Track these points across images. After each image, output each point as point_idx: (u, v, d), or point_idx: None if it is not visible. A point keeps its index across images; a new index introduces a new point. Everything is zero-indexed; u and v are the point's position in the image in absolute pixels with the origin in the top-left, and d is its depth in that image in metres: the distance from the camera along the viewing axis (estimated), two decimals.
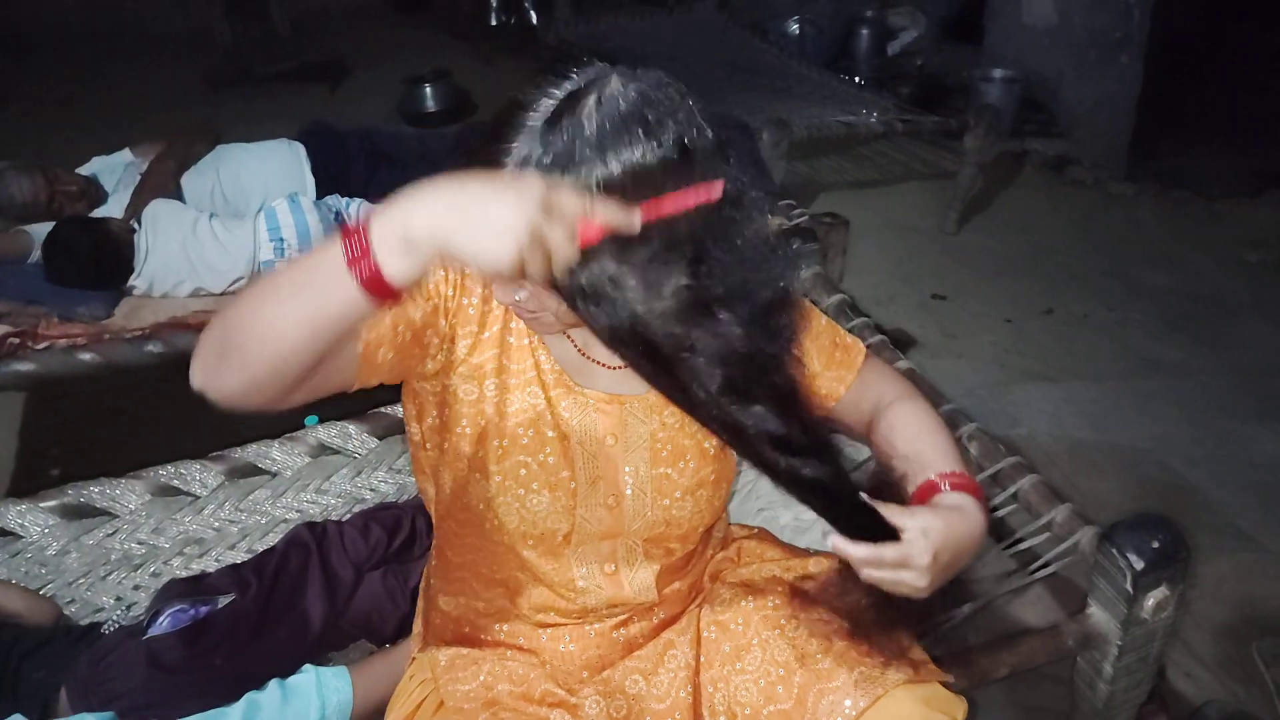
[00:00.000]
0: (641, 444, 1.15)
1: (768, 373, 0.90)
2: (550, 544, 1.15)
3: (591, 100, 0.89)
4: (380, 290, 0.79)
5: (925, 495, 1.06)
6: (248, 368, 0.83)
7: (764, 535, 1.43)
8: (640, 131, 0.87)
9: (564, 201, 0.80)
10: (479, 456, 1.12)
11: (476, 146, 0.94)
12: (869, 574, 0.96)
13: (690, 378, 0.87)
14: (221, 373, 0.84)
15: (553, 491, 1.13)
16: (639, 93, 0.89)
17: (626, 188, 0.86)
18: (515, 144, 0.90)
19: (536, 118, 0.90)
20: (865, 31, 5.69)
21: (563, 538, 1.15)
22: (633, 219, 0.83)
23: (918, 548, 0.95)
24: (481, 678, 1.20)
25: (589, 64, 0.94)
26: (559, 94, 0.91)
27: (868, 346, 2.07)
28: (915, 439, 1.14)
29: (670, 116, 0.89)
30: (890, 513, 0.95)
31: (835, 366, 1.20)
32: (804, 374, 0.95)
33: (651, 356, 0.87)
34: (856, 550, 0.94)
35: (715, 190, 0.87)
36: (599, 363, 1.13)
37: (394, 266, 0.78)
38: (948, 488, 1.05)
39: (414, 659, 1.32)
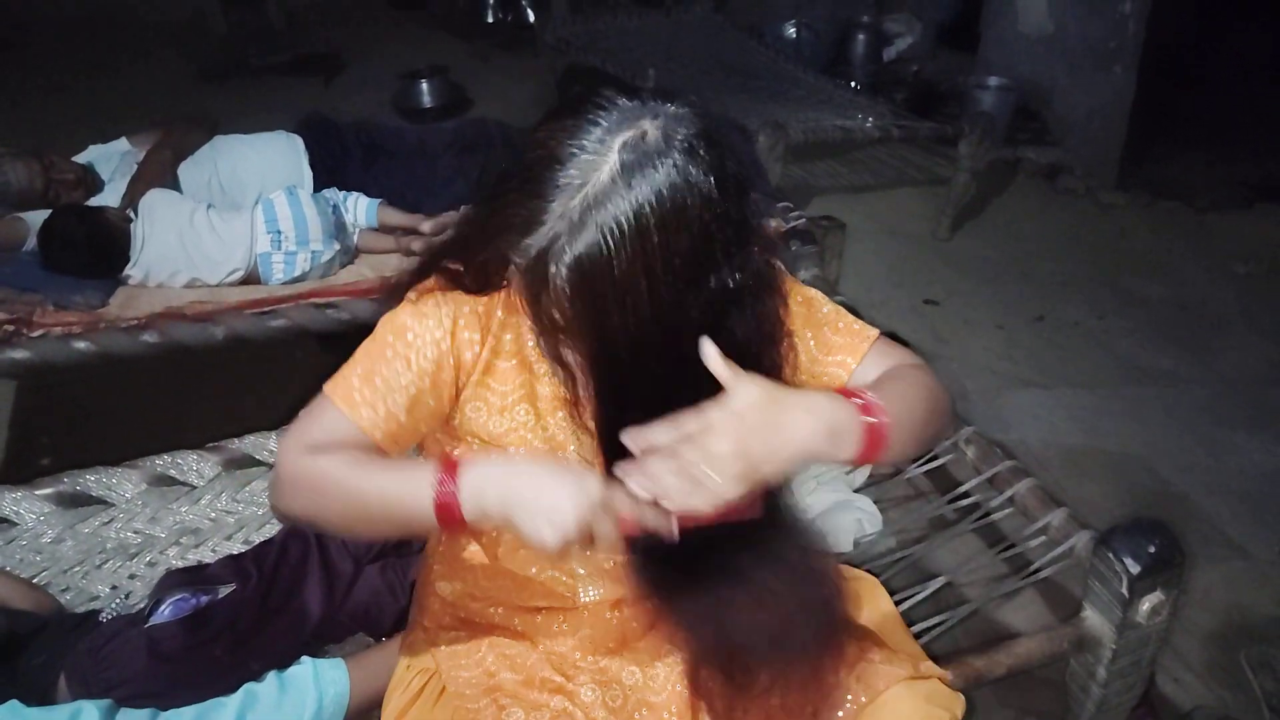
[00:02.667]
0: None
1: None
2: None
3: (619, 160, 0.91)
4: (451, 527, 0.98)
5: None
6: (330, 530, 1.12)
7: None
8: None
9: (615, 503, 0.94)
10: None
11: (508, 189, 0.95)
12: (669, 462, 0.93)
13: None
14: (306, 520, 1.06)
15: None
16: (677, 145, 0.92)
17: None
18: (551, 205, 0.91)
19: (571, 177, 0.91)
20: (861, 37, 5.70)
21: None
22: (672, 528, 0.95)
23: (718, 414, 0.93)
24: (483, 664, 1.20)
25: (614, 101, 0.94)
26: (591, 145, 0.92)
27: None
28: (882, 377, 1.12)
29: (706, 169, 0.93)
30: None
31: (837, 351, 1.17)
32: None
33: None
34: (659, 434, 0.94)
35: (755, 510, 0.97)
36: None
37: (467, 515, 0.96)
38: (850, 395, 1.01)
39: (410, 644, 1.31)
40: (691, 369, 0.95)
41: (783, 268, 1.13)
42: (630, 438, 0.95)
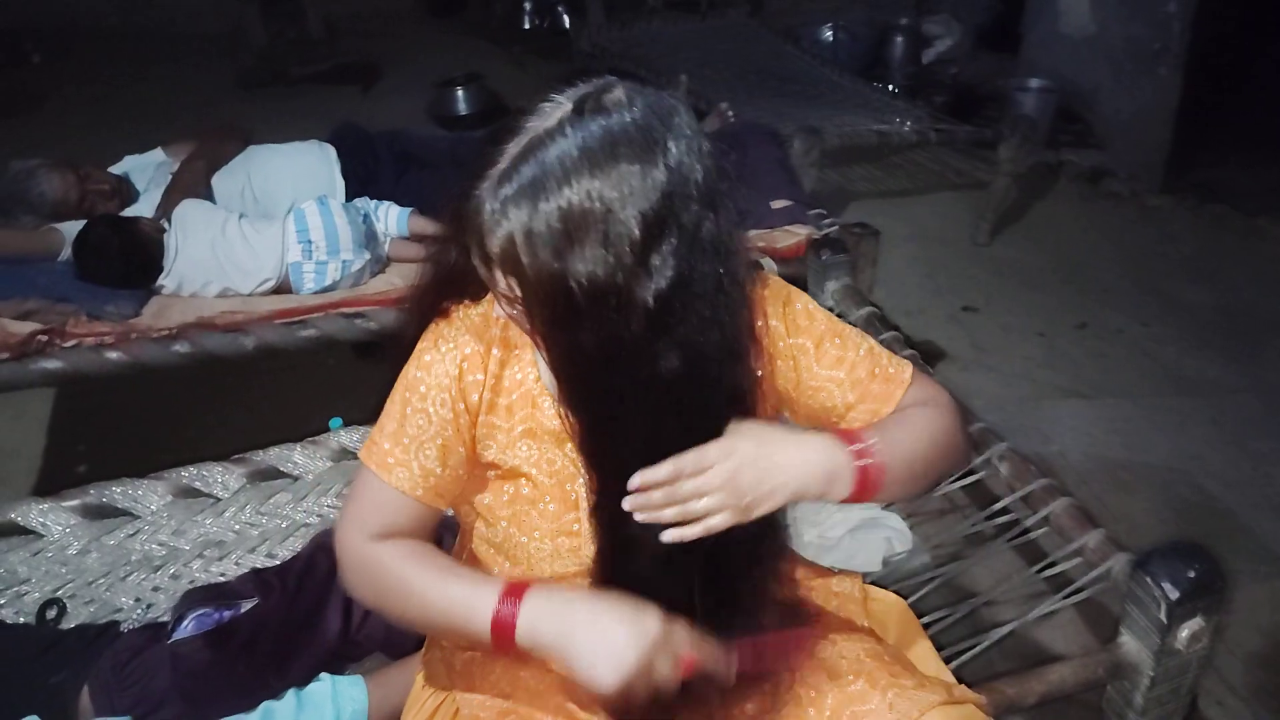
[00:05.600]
0: None
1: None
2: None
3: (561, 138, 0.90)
4: (503, 649, 0.99)
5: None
6: (387, 619, 1.12)
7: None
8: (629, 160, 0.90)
9: (676, 640, 0.95)
10: (485, 504, 1.16)
11: (474, 157, 0.96)
12: (671, 496, 0.96)
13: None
14: (368, 605, 1.12)
15: (554, 540, 1.14)
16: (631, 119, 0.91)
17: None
18: (504, 148, 0.92)
19: (527, 122, 0.92)
20: (900, 39, 5.65)
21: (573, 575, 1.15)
22: (730, 667, 0.98)
23: (712, 449, 0.96)
24: (497, 687, 1.18)
25: (587, 76, 0.95)
26: (554, 97, 0.93)
27: None
28: (888, 421, 1.12)
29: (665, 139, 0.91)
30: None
31: (871, 400, 1.14)
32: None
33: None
34: (660, 470, 0.95)
35: (809, 641, 1.03)
36: None
37: (520, 642, 0.97)
38: (842, 435, 1.03)
39: (427, 664, 1.30)
40: (642, 353, 0.94)
41: (777, 280, 1.16)
42: (634, 478, 0.97)
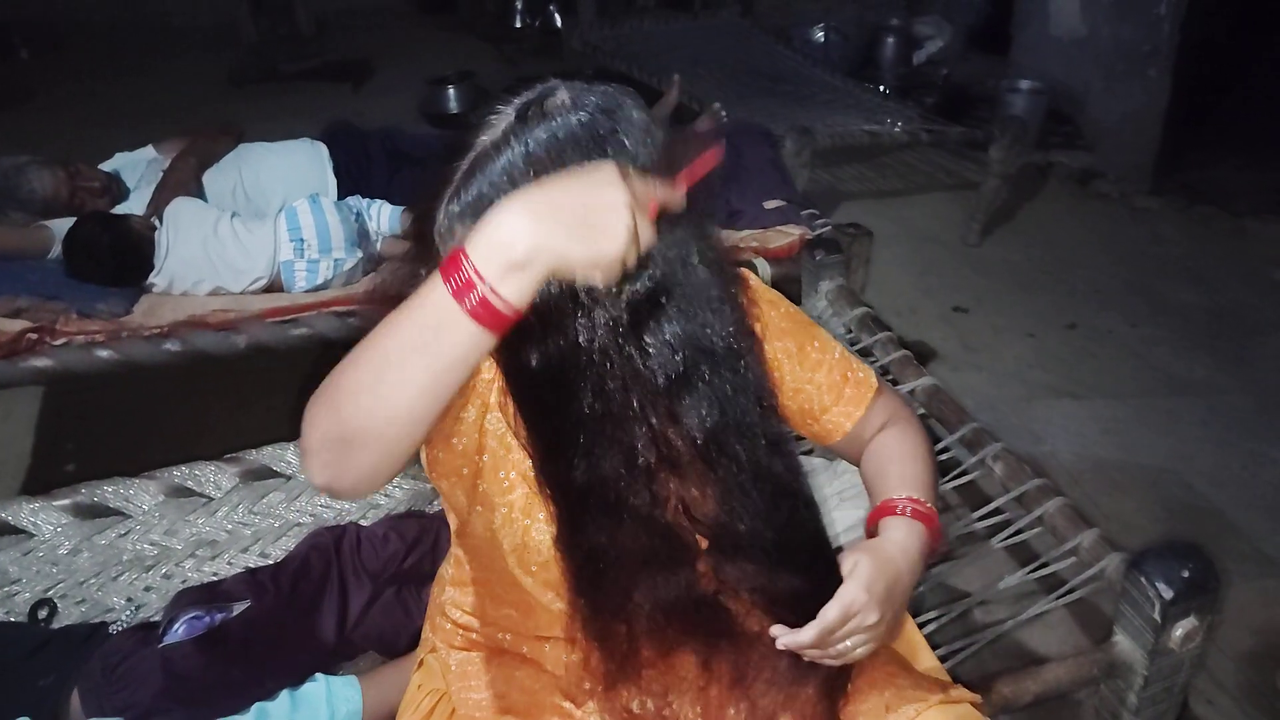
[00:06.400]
0: None
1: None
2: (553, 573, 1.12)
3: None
4: (496, 319, 0.77)
5: (880, 514, 1.11)
6: (378, 447, 0.80)
7: None
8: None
9: (638, 184, 0.80)
10: (482, 490, 1.08)
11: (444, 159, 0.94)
12: (823, 649, 0.99)
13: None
14: (350, 462, 0.81)
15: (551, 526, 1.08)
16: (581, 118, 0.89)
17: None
18: (455, 166, 0.91)
19: (477, 139, 0.91)
20: (891, 40, 5.66)
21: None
22: (679, 194, 0.85)
23: (849, 592, 0.98)
24: (492, 687, 1.18)
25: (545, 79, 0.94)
26: (502, 109, 0.92)
27: (890, 361, 2.06)
28: (891, 459, 1.17)
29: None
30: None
31: (845, 403, 1.17)
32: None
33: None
34: (805, 634, 0.97)
35: (719, 155, 0.89)
36: None
37: (506, 290, 0.76)
38: (902, 510, 1.09)
39: (421, 664, 1.30)
40: (600, 366, 0.88)
41: (757, 281, 1.15)
42: (782, 641, 0.98)
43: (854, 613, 0.97)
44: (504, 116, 0.91)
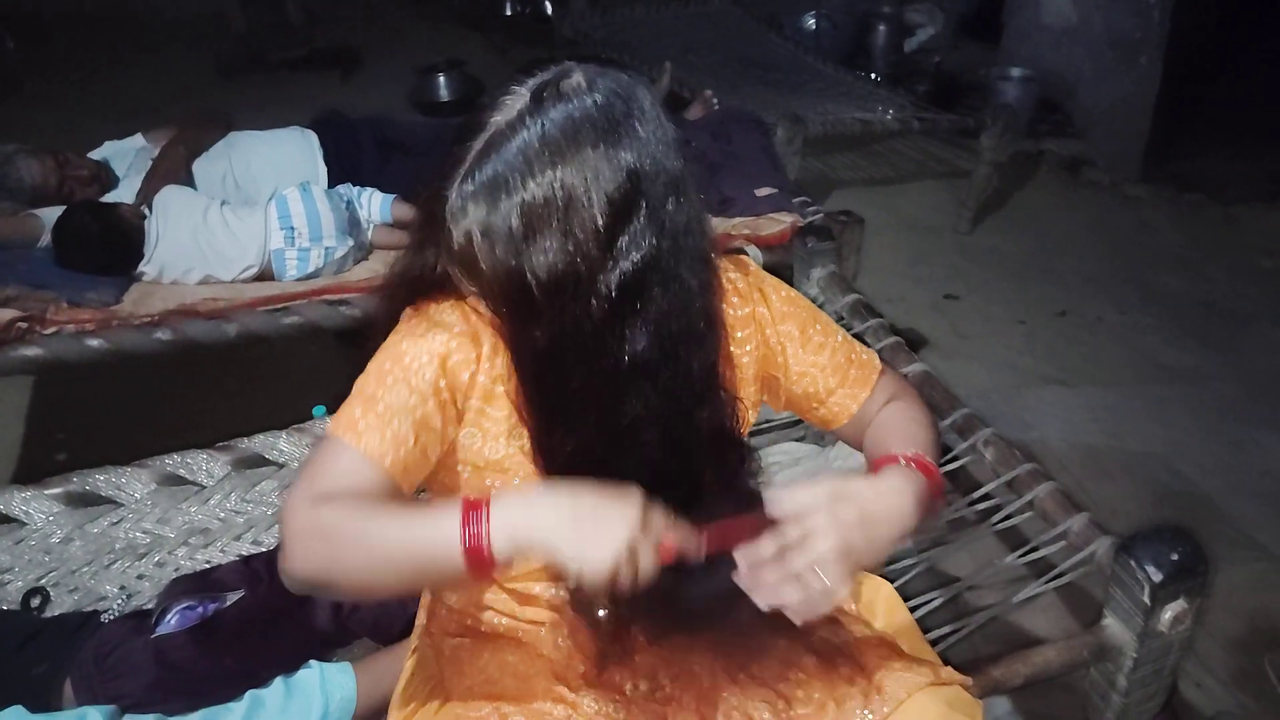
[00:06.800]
0: None
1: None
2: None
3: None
4: (481, 570, 0.89)
5: (878, 466, 1.07)
6: (348, 588, 0.97)
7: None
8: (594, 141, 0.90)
9: (654, 521, 0.89)
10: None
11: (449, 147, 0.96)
12: (784, 567, 0.93)
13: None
14: (322, 580, 0.93)
15: None
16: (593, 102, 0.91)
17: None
18: (468, 145, 0.93)
19: (490, 118, 0.93)
20: (882, 28, 5.65)
21: None
22: (700, 546, 0.93)
23: (806, 496, 0.93)
24: (486, 672, 1.18)
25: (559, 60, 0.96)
26: (514, 89, 0.94)
27: (882, 348, 2.06)
28: (892, 425, 1.15)
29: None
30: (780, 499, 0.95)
31: (850, 384, 1.19)
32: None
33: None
34: (765, 546, 0.93)
35: (766, 524, 0.93)
36: None
37: (500, 556, 0.88)
38: (903, 461, 1.05)
39: (415, 651, 1.30)
40: (601, 347, 0.94)
41: (757, 267, 1.18)
42: (739, 555, 0.94)
43: (810, 520, 0.92)
44: (518, 97, 0.93)
